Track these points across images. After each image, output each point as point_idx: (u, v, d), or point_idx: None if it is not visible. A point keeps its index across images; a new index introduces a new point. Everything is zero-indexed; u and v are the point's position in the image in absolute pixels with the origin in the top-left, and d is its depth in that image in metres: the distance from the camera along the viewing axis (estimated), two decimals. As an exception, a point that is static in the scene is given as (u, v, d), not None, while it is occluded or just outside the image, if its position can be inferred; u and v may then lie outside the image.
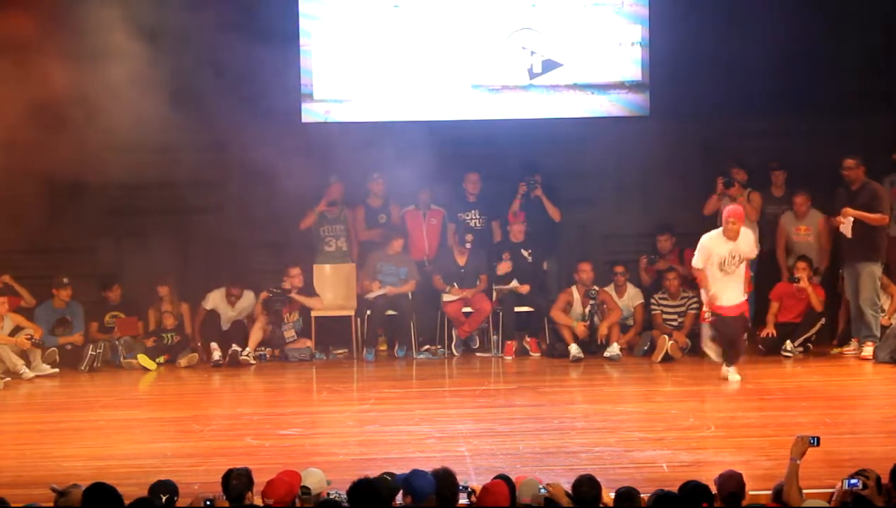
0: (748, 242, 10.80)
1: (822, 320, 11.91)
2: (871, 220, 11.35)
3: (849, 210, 11.40)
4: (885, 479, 6.00)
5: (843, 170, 11.51)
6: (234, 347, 11.91)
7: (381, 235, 12.69)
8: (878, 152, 12.41)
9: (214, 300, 12.35)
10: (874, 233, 11.42)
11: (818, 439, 6.28)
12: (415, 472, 5.94)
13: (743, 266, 10.78)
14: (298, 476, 6.15)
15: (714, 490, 5.88)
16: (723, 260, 10.67)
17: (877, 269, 11.45)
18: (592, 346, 11.98)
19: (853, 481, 5.90)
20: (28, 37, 10.72)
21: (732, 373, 10.69)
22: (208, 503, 6.01)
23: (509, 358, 12.02)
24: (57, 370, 11.63)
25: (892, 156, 12.41)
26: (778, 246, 12.46)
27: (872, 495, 5.82)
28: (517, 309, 12.28)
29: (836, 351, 11.74)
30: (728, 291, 10.71)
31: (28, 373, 11.41)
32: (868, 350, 11.37)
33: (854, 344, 11.58)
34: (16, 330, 11.68)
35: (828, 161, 12.14)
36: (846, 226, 11.44)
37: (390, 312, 12.33)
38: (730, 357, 10.79)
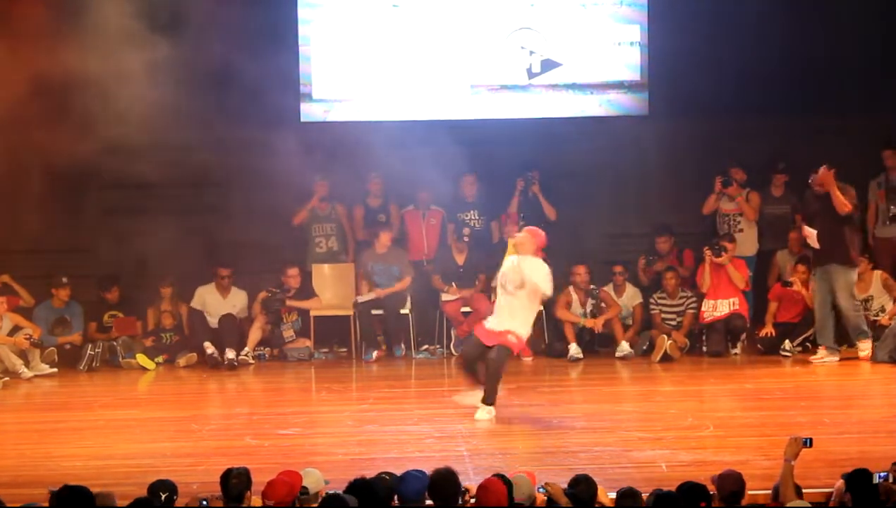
0: (534, 270, 9.18)
1: (822, 319, 11.88)
2: (838, 200, 10.99)
3: (826, 177, 11.05)
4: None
5: (810, 180, 11.27)
6: (230, 355, 11.87)
7: (375, 234, 12.68)
8: (877, 152, 12.46)
9: (202, 296, 12.33)
10: (844, 238, 11.14)
11: (811, 440, 6.29)
12: (407, 475, 5.93)
13: (537, 295, 9.26)
14: (299, 477, 6.13)
15: (711, 489, 5.88)
16: (504, 277, 9.31)
17: (852, 273, 11.19)
18: (594, 344, 12.00)
19: (883, 473, 5.90)
20: (27, 30, 10.71)
21: (482, 411, 9.12)
22: (204, 503, 6.01)
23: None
24: (56, 370, 11.62)
25: (882, 157, 12.43)
26: (770, 278, 12.43)
27: None
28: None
29: (816, 357, 11.43)
30: (499, 314, 9.26)
31: (27, 373, 11.40)
32: (866, 346, 11.22)
33: (822, 351, 11.28)
34: (15, 329, 11.67)
35: (828, 161, 12.15)
36: (812, 239, 11.26)
37: (375, 311, 12.31)
38: (487, 392, 9.16)
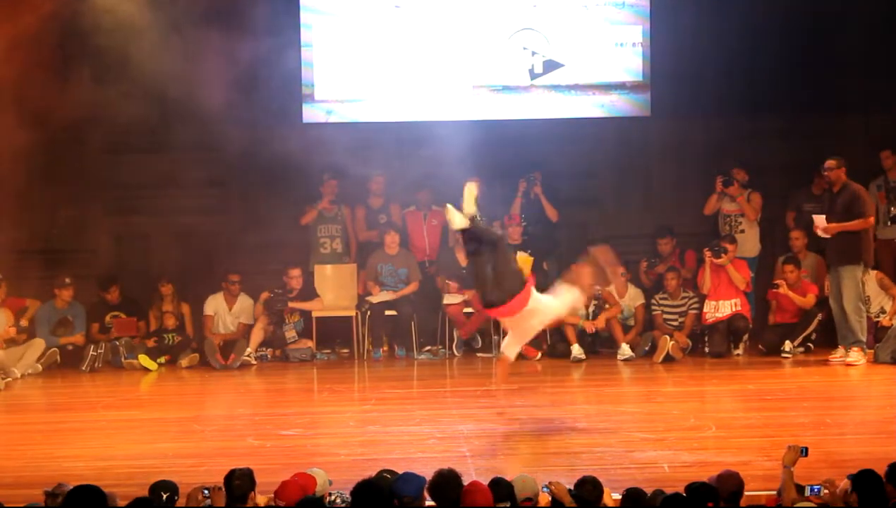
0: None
1: (819, 316, 11.82)
2: (852, 228, 11.06)
3: (831, 226, 11.10)
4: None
5: (823, 170, 11.32)
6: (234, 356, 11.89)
7: (380, 235, 12.68)
8: (878, 153, 12.45)
9: (212, 305, 12.32)
10: (854, 235, 11.11)
11: (807, 449, 6.34)
12: (404, 474, 5.92)
13: None
14: (313, 480, 6.09)
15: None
16: None
17: (859, 272, 11.13)
18: (596, 345, 11.99)
19: (816, 487, 6.01)
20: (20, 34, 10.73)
21: None
22: (205, 492, 6.03)
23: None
24: (39, 368, 11.60)
25: (880, 158, 12.42)
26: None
27: (834, 500, 5.89)
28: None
29: (834, 356, 11.34)
30: None
31: (16, 373, 11.35)
32: (854, 355, 11.11)
33: (841, 350, 11.23)
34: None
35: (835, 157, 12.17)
36: (820, 226, 11.19)
37: (389, 312, 12.34)
38: None
